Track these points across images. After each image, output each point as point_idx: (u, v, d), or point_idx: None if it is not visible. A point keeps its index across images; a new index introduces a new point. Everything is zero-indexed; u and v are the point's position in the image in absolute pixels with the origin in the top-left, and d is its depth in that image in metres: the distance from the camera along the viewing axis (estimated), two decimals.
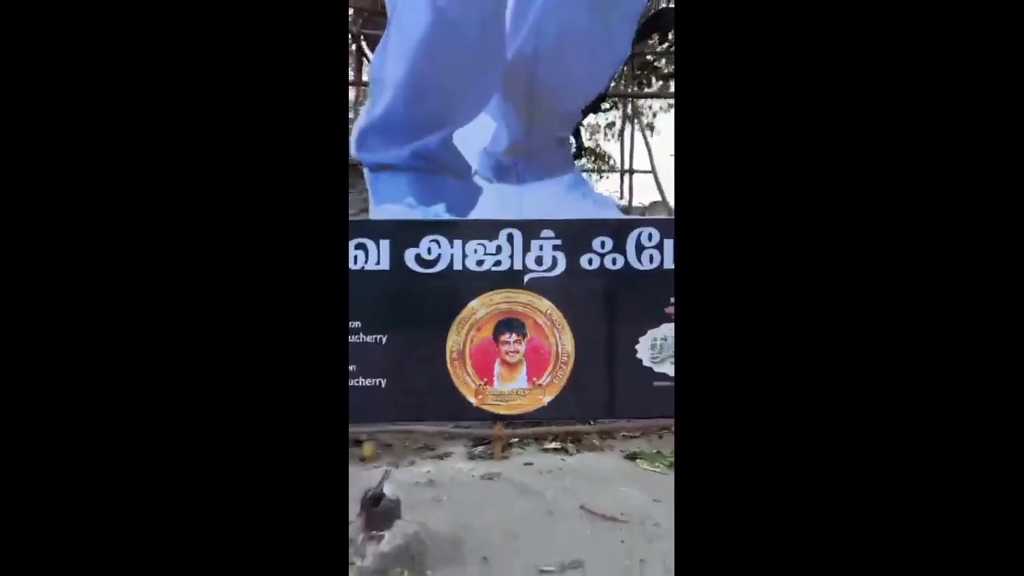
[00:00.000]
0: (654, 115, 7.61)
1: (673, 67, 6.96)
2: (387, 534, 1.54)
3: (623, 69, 4.79)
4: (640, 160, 4.84)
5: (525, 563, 1.54)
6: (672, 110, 7.73)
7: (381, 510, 1.57)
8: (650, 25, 4.30)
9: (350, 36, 3.97)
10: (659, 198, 4.38)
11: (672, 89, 7.62)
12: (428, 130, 2.54)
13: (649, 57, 6.77)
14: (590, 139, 7.95)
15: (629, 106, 6.47)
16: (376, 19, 4.05)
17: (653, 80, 7.12)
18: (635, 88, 6.95)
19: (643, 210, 4.73)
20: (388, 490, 1.59)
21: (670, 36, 6.96)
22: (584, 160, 7.61)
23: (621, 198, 4.80)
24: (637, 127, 4.83)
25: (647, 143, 4.33)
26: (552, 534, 1.73)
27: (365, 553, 1.51)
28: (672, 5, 5.89)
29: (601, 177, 7.16)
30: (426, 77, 2.49)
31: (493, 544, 1.64)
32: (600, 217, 2.68)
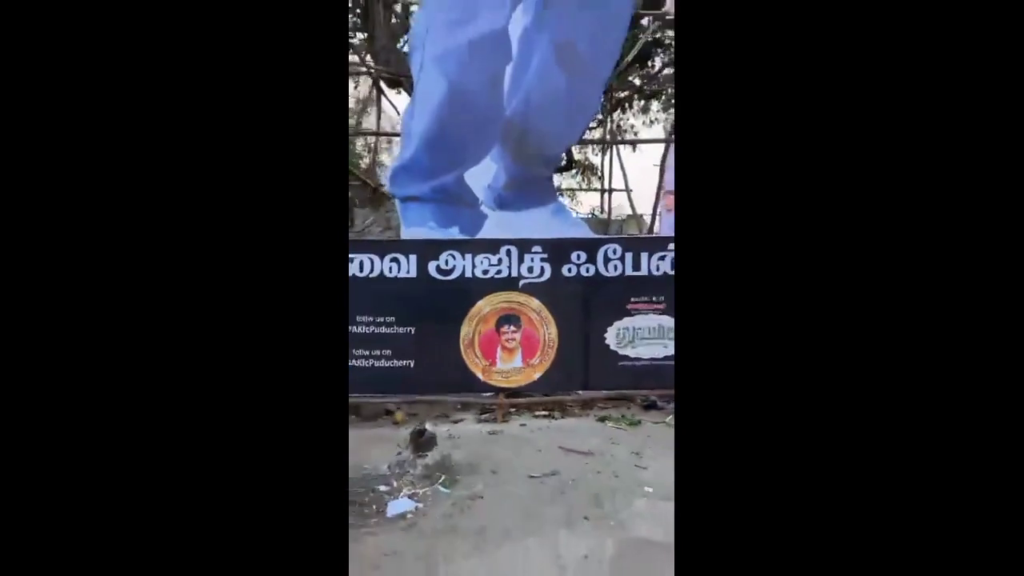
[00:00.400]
0: (636, 133, 8.41)
1: (653, 88, 7.79)
2: (429, 455, 2.33)
3: (607, 93, 5.57)
4: (618, 179, 5.61)
5: (520, 473, 2.32)
6: (653, 126, 8.53)
7: (425, 439, 2.36)
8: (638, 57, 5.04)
9: (371, 83, 4.73)
10: (631, 212, 5.16)
11: (650, 109, 8.42)
12: (445, 171, 3.31)
13: (632, 79, 7.58)
14: (579, 152, 8.74)
15: (612, 127, 7.28)
16: (392, 75, 4.79)
17: (635, 101, 7.93)
18: (617, 112, 7.74)
19: (620, 223, 5.51)
20: (429, 426, 2.38)
21: (649, 63, 7.76)
22: (574, 171, 8.40)
23: (602, 212, 5.59)
24: (617, 151, 5.60)
25: (622, 167, 5.10)
26: (539, 460, 2.51)
27: (416, 466, 2.29)
28: (652, 38, 6.66)
29: (588, 191, 7.91)
30: (443, 130, 3.25)
31: (498, 465, 2.42)
32: (576, 236, 3.45)
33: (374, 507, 1.98)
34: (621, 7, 3.29)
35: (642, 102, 8.26)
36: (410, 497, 2.05)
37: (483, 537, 1.78)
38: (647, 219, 5.14)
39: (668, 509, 1.96)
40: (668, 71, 7.11)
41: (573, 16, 3.20)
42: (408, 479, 2.21)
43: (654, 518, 1.91)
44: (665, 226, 5.04)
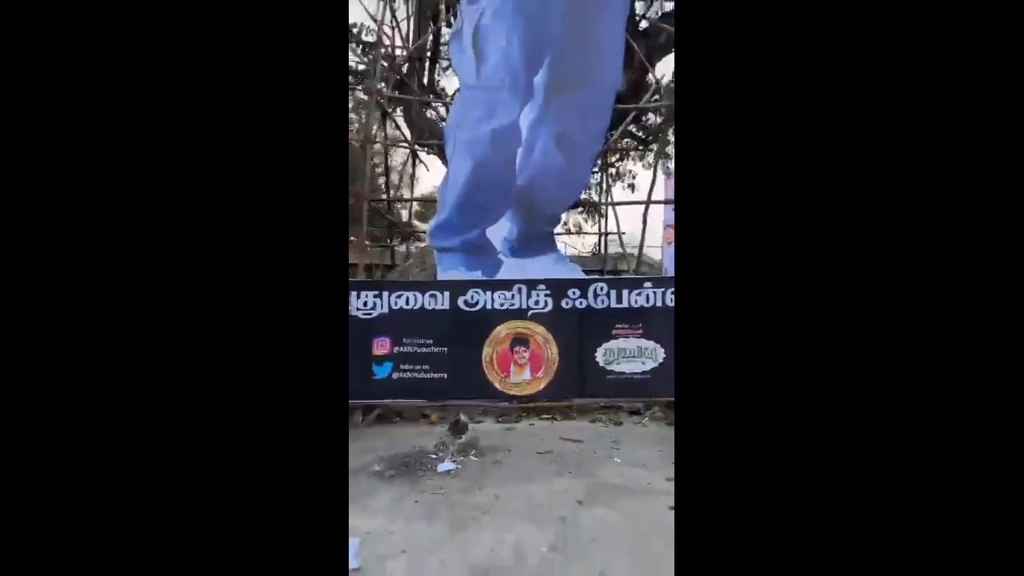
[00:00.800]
0: (634, 177, 9.49)
1: (647, 138, 8.86)
2: (463, 437, 3.29)
3: (606, 142, 6.62)
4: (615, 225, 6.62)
5: (529, 452, 3.26)
6: (651, 169, 9.58)
7: (460, 426, 3.32)
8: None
9: (407, 151, 5.85)
10: (622, 251, 6.16)
11: (647, 156, 9.47)
12: (471, 229, 4.34)
13: (632, 128, 8.68)
14: (584, 194, 9.82)
15: (612, 172, 8.31)
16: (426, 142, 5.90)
17: (631, 154, 9.03)
18: (617, 159, 8.80)
19: (615, 260, 6.49)
20: (463, 417, 3.34)
21: (644, 118, 8.84)
22: (580, 209, 9.45)
23: (598, 251, 6.58)
24: (611, 194, 6.62)
25: (615, 215, 6.13)
26: (542, 445, 3.45)
27: (454, 444, 3.25)
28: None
29: (589, 234, 8.95)
30: (470, 198, 4.28)
31: (513, 447, 3.36)
32: (571, 277, 4.43)
33: (428, 466, 2.94)
34: (604, 105, 4.35)
35: (637, 146, 9.37)
36: (452, 462, 3.01)
37: (503, 482, 2.72)
38: (635, 255, 6.13)
39: (627, 470, 2.89)
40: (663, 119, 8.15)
41: (568, 113, 4.27)
42: (449, 452, 3.17)
43: (617, 473, 2.84)
44: (666, 258, 5.99)
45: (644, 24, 6.03)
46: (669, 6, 5.78)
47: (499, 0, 3.93)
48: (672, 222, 5.39)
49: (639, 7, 6.12)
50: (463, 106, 4.34)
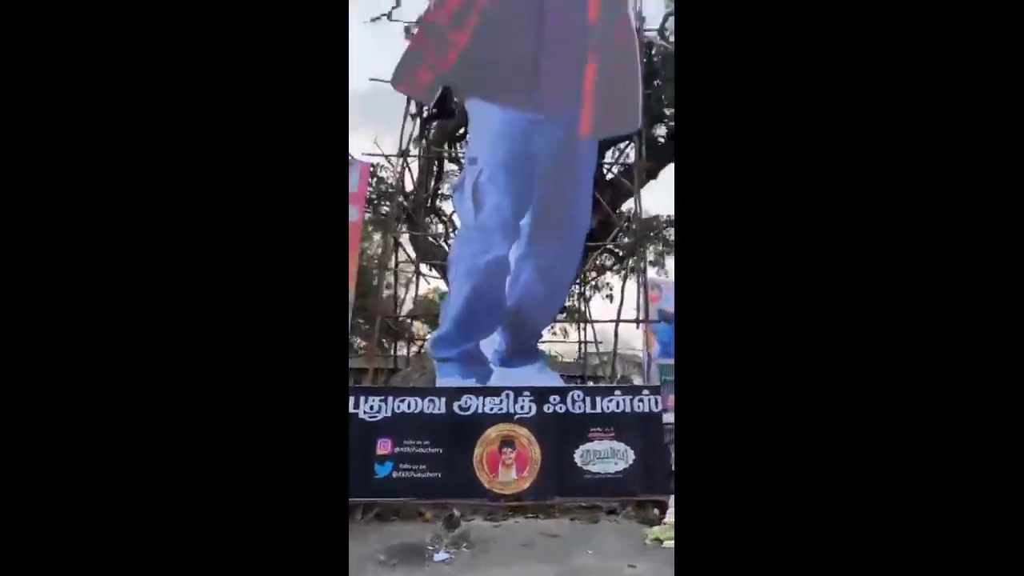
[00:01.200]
0: (612, 288, 10.52)
1: (623, 256, 9.96)
2: (457, 530, 3.77)
3: (584, 265, 7.62)
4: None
5: (513, 544, 3.72)
6: (626, 280, 10.61)
7: (454, 520, 3.82)
8: None
9: (413, 269, 6.81)
10: (598, 361, 6.95)
11: (624, 270, 10.53)
12: (467, 342, 5.11)
13: (611, 247, 9.82)
14: (569, 301, 10.76)
15: (591, 284, 9.28)
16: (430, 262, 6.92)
17: (608, 270, 10.14)
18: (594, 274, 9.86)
19: (594, 367, 7.23)
20: (456, 512, 3.85)
21: (620, 235, 9.99)
22: (564, 314, 10.32)
23: (579, 358, 7.35)
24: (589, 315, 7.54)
25: (593, 329, 7.01)
26: (526, 538, 3.90)
27: (448, 537, 3.72)
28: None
29: (570, 343, 9.77)
30: (467, 316, 5.11)
31: (499, 540, 3.82)
32: (553, 385, 5.13)
33: (426, 556, 3.41)
34: (577, 244, 5.39)
35: (615, 264, 10.50)
36: (446, 552, 3.48)
37: (490, 567, 3.20)
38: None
39: (596, 558, 3.38)
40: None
41: (547, 250, 5.26)
42: (443, 543, 3.64)
43: (587, 560, 3.33)
44: (644, 362, 6.73)
45: (610, 176, 7.39)
46: (630, 161, 7.14)
47: (493, 165, 5.08)
48: (651, 328, 6.22)
49: (609, 154, 7.53)
50: (462, 242, 5.35)
